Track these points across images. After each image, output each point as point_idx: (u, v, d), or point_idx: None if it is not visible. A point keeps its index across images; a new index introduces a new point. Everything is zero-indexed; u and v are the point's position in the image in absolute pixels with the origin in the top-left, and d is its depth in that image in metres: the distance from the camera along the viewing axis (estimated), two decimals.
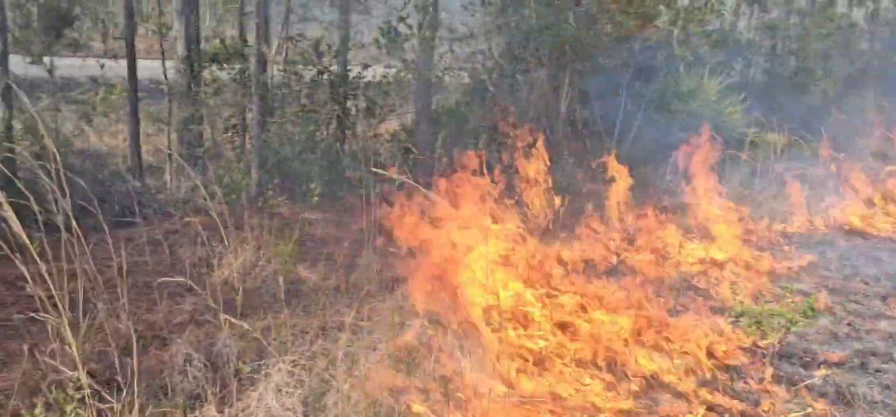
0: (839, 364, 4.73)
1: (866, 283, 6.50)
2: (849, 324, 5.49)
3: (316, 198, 7.23)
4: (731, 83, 11.64)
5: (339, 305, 5.27)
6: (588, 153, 9.52)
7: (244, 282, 5.47)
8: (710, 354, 4.50)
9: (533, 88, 9.23)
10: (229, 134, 7.97)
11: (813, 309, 5.05)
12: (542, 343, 4.30)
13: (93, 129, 8.08)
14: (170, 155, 7.63)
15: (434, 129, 8.78)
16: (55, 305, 3.80)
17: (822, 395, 4.22)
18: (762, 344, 4.76)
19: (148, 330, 4.62)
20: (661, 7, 10.64)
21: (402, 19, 8.04)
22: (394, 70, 8.55)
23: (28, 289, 3.97)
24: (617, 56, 10.46)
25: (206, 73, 8.07)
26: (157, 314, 4.92)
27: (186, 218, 7.00)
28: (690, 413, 3.86)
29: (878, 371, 4.75)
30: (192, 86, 7.84)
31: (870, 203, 8.63)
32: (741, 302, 5.37)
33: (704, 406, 3.92)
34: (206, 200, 7.08)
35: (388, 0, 8.24)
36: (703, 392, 4.10)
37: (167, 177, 8.01)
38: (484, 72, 9.53)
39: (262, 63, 7.68)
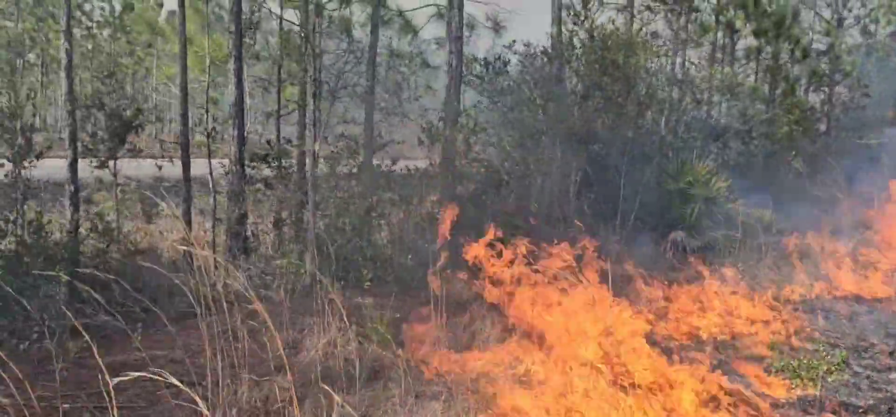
0: (868, 411, 5.49)
1: (872, 342, 7.32)
2: (867, 377, 6.28)
3: (368, 283, 7.87)
4: (713, 165, 12.74)
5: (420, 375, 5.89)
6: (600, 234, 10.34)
7: (326, 361, 6.05)
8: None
9: (546, 176, 10.10)
10: (279, 227, 8.58)
11: (844, 363, 5.80)
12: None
13: (151, 226, 8.63)
14: (215, 248, 8.21)
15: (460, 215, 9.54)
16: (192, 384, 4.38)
17: None
18: (805, 393, 5.51)
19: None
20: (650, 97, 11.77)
21: (442, 119, 8.90)
22: (424, 163, 9.35)
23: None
24: (613, 144, 11.45)
25: (252, 172, 8.75)
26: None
27: (251, 307, 7.55)
28: None
29: None
30: (244, 185, 8.50)
31: (859, 270, 9.56)
32: (781, 357, 6.08)
33: None
34: (266, 289, 7.73)
35: (420, 102, 9.10)
36: None
37: (213, 268, 8.55)
38: (498, 163, 10.41)
39: (303, 162, 8.42)
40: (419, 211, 9.22)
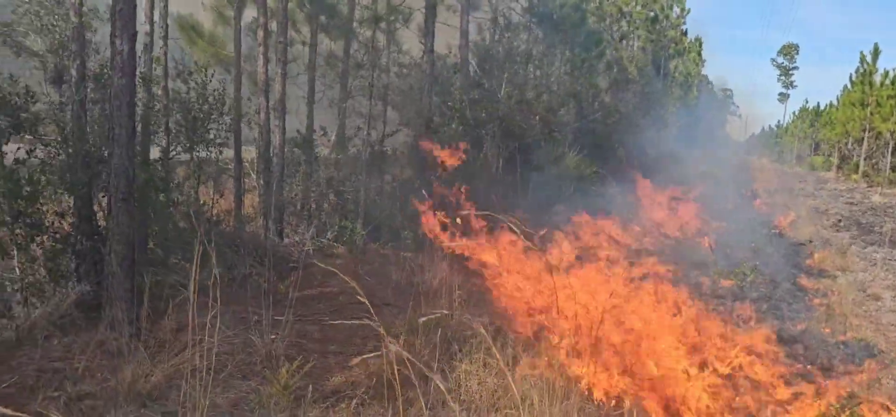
0: (759, 299, 9.61)
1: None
2: (753, 282, 10.48)
3: (409, 243, 10.48)
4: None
5: None
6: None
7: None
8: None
9: (486, 160, 13.33)
10: (333, 199, 10.71)
11: (751, 270, 9.89)
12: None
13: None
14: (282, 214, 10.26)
15: None
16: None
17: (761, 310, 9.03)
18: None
19: None
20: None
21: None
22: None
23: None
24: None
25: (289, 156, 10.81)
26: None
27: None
28: None
29: (778, 299, 9.69)
30: (285, 167, 10.56)
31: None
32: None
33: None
34: (338, 246, 10.02)
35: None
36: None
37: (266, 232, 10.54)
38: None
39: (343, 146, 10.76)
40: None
